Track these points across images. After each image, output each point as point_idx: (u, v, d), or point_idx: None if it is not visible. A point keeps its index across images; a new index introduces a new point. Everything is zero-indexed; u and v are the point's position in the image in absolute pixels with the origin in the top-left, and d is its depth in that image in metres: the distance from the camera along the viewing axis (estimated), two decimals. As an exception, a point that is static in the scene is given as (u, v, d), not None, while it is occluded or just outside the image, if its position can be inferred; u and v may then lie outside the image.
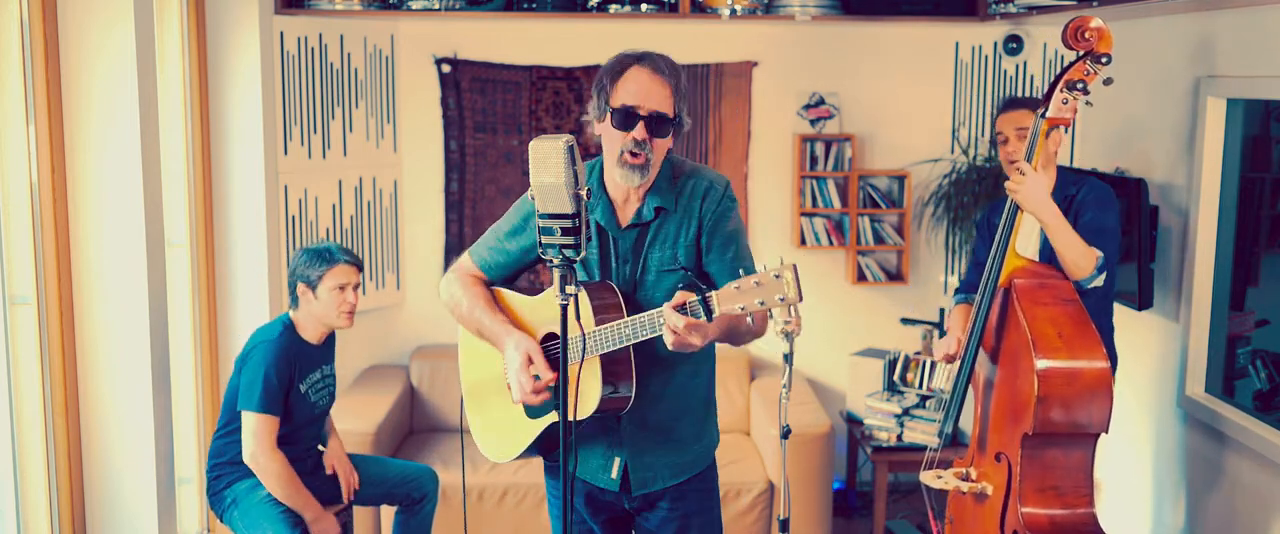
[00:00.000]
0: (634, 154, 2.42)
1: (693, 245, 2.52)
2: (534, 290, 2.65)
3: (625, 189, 2.52)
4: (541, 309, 2.56)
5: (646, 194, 2.52)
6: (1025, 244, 3.38)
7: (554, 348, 2.50)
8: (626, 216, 2.54)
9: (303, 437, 3.63)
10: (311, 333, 3.58)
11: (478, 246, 2.69)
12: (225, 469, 3.59)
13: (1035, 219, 3.12)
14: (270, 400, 3.44)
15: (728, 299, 2.19)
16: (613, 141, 2.45)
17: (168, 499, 3.61)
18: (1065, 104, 3.03)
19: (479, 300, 2.61)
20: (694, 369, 2.63)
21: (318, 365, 3.62)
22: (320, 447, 3.79)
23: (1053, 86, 3.07)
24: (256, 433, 3.45)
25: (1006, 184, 3.11)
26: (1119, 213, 3.29)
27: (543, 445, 2.62)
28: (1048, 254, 3.38)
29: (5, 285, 3.23)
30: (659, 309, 2.30)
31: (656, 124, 2.42)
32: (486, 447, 2.71)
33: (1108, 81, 3.05)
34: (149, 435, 3.50)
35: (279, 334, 3.52)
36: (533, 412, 2.57)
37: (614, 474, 2.61)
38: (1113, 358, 3.36)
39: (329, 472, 3.72)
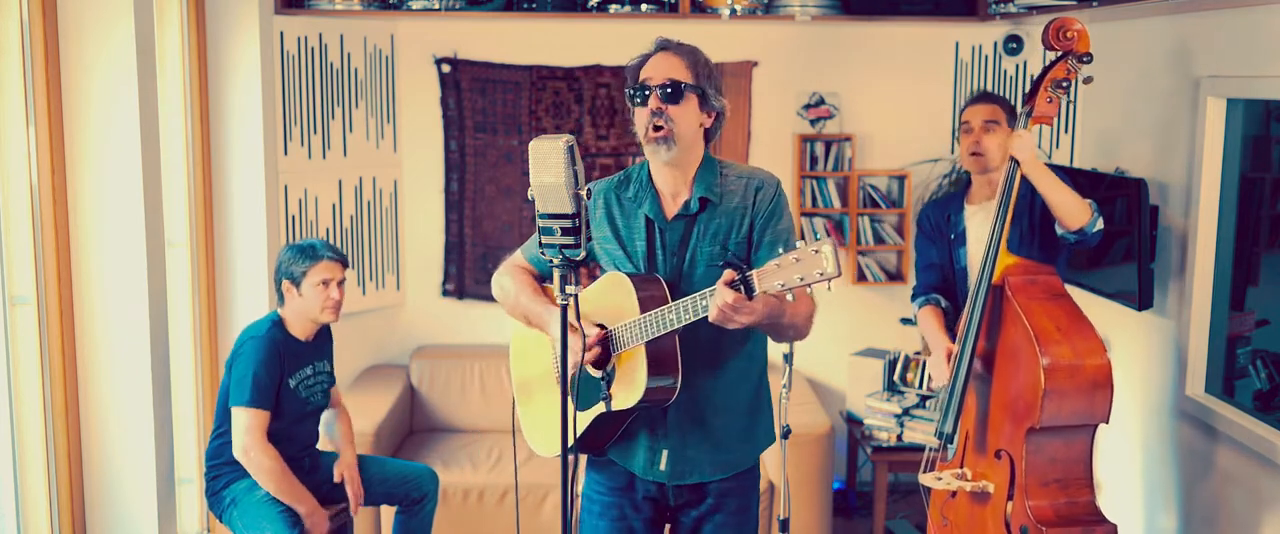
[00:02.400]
0: (655, 128, 2.49)
1: (744, 241, 2.56)
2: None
3: (672, 181, 2.58)
4: (587, 300, 2.60)
5: (693, 184, 2.57)
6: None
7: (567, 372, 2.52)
8: (674, 209, 2.58)
9: (297, 434, 3.62)
10: (300, 329, 3.59)
11: (529, 244, 2.75)
12: (223, 469, 3.59)
13: (1030, 178, 3.19)
14: (260, 395, 3.44)
15: (768, 277, 2.21)
16: (639, 123, 2.53)
17: (168, 499, 3.61)
18: (1050, 102, 3.16)
19: (526, 288, 2.68)
20: (745, 365, 2.65)
21: (309, 362, 3.62)
22: (317, 446, 3.79)
23: (1037, 86, 3.19)
24: (247, 428, 3.45)
25: (1008, 144, 3.21)
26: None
27: (590, 442, 2.64)
28: (1016, 248, 3.41)
29: (5, 285, 3.24)
30: (699, 293, 2.34)
31: (669, 91, 2.48)
32: (535, 441, 2.76)
33: (1088, 80, 3.17)
34: (149, 435, 3.50)
35: (267, 330, 3.53)
36: (582, 403, 2.59)
37: (662, 467, 2.63)
38: None
39: (336, 480, 3.72)
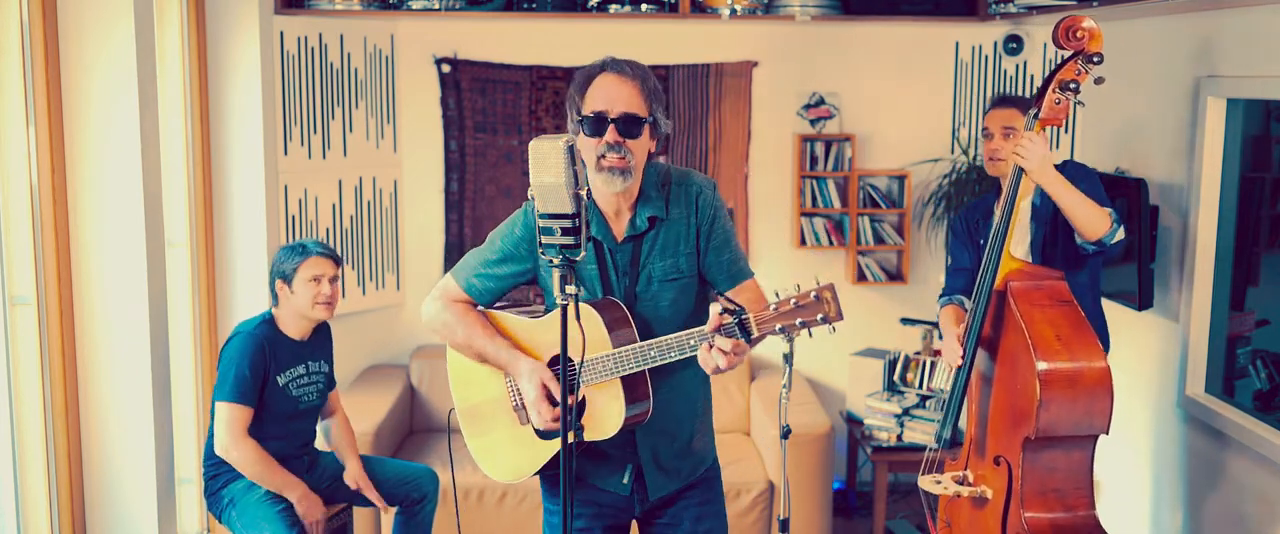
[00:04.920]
0: (611, 158, 2.42)
1: (693, 252, 2.54)
2: (523, 307, 2.67)
3: (614, 201, 2.51)
4: (543, 332, 2.56)
5: (636, 204, 2.52)
6: (1017, 246, 3.37)
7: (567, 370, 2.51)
8: (620, 230, 2.54)
9: (292, 432, 3.62)
10: (293, 328, 3.59)
11: (461, 272, 2.64)
12: (222, 469, 3.59)
13: (1042, 185, 3.08)
14: (241, 390, 3.44)
15: (767, 322, 2.23)
16: (589, 150, 2.44)
17: (167, 499, 3.61)
18: (1058, 104, 3.03)
19: (476, 327, 2.59)
20: (693, 371, 2.63)
21: (301, 360, 3.61)
22: (315, 446, 3.79)
23: (1044, 87, 3.06)
24: (226, 422, 3.45)
25: (1014, 150, 3.07)
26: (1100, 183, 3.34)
27: (549, 463, 2.62)
28: (1039, 254, 3.38)
29: (5, 285, 3.24)
30: (690, 332, 2.33)
31: (628, 125, 2.43)
32: (493, 468, 2.68)
33: (1099, 81, 3.04)
34: (149, 435, 3.50)
35: (256, 327, 3.53)
36: (545, 433, 2.56)
37: (625, 480, 2.61)
38: (1105, 345, 3.34)
39: (352, 487, 3.72)
